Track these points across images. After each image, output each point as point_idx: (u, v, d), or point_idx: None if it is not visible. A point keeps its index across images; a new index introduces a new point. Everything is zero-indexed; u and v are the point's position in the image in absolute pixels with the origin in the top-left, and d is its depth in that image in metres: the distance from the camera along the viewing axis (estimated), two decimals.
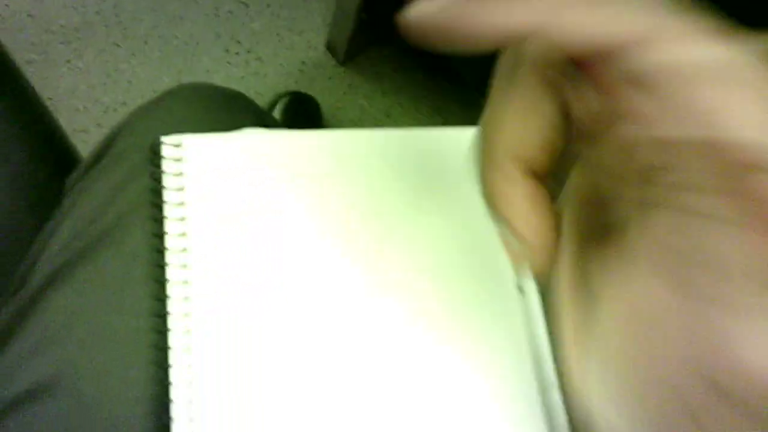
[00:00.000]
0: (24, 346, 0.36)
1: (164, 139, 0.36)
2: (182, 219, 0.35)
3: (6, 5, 1.06)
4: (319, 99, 1.09)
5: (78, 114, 1.03)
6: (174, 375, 0.34)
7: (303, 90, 1.08)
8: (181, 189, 0.35)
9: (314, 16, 1.15)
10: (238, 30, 1.12)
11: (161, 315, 0.35)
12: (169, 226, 0.35)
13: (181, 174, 0.35)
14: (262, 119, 0.42)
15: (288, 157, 0.37)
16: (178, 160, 0.36)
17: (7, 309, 0.38)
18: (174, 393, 0.34)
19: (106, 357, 0.35)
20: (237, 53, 1.11)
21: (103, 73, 1.07)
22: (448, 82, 1.12)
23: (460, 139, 0.38)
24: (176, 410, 0.33)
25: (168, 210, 0.35)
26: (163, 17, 1.11)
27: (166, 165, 0.35)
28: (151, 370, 0.35)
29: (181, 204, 0.35)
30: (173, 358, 0.34)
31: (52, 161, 0.58)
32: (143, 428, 0.35)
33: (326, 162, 0.37)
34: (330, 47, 1.13)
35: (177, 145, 0.36)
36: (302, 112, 1.04)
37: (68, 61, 1.07)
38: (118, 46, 1.09)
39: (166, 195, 0.35)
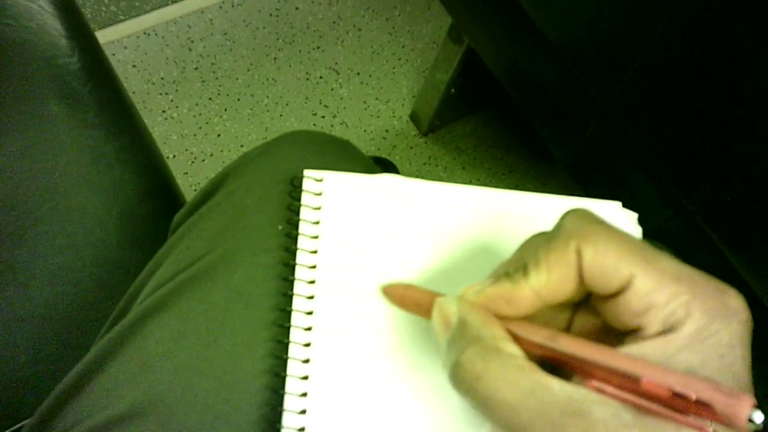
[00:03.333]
0: (122, 370, 0.36)
1: (307, 172, 0.36)
2: (314, 252, 0.35)
3: (113, 54, 1.12)
4: (399, 167, 1.10)
5: (167, 162, 1.06)
6: (286, 419, 0.33)
7: (388, 159, 1.10)
8: (316, 222, 0.36)
9: (401, 87, 1.19)
10: (326, 95, 1.16)
11: (276, 355, 0.35)
12: (300, 257, 0.35)
13: (319, 208, 0.36)
14: (370, 169, 0.43)
15: (423, 205, 0.37)
16: (317, 194, 0.36)
17: (108, 335, 0.38)
18: None
19: (202, 388, 0.35)
20: (323, 116, 1.15)
21: (195, 125, 1.11)
22: (536, 157, 1.13)
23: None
24: None
25: (301, 242, 0.35)
26: (256, 77, 1.16)
27: (305, 198, 0.36)
28: (253, 409, 0.35)
29: (315, 237, 0.35)
30: (286, 402, 0.33)
31: (160, 200, 0.60)
32: None
33: (461, 215, 0.37)
34: (414, 118, 1.16)
35: (318, 180, 0.36)
36: None
37: (164, 112, 1.11)
38: (211, 100, 1.13)
39: (302, 227, 0.36)
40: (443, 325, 0.27)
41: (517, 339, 0.25)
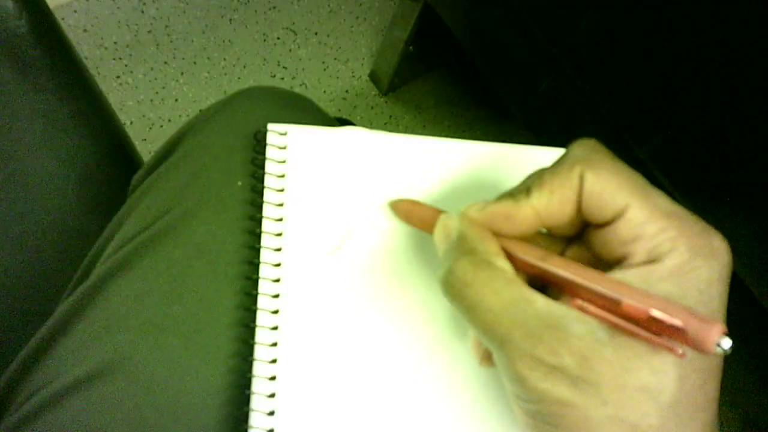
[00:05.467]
0: (87, 331, 0.36)
1: (271, 126, 0.36)
2: (280, 205, 0.36)
3: (62, 19, 1.08)
4: (360, 127, 1.10)
5: (124, 128, 1.05)
6: (257, 369, 0.34)
7: (346, 118, 1.10)
8: (281, 176, 0.36)
9: (359, 47, 1.18)
10: (284, 56, 1.15)
11: (245, 307, 0.35)
12: (266, 210, 0.35)
13: (284, 161, 0.36)
14: (330, 123, 0.43)
15: (389, 157, 0.37)
16: (282, 147, 0.36)
17: (71, 297, 0.38)
18: (255, 385, 0.34)
19: (168, 344, 0.35)
20: (282, 78, 1.13)
21: (151, 90, 1.09)
22: (495, 114, 1.14)
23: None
24: (256, 402, 0.33)
25: (267, 195, 0.36)
26: (212, 40, 1.13)
27: (270, 152, 0.36)
28: (222, 361, 0.35)
29: (281, 190, 0.36)
30: (257, 351, 0.34)
31: (118, 164, 0.59)
32: (214, 416, 0.35)
33: (427, 167, 0.37)
34: (374, 77, 1.15)
35: (282, 134, 0.36)
36: None
37: (118, 77, 1.09)
38: (167, 64, 1.11)
39: (267, 181, 0.36)
40: (443, 238, 0.29)
41: (511, 258, 0.26)
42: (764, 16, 0.49)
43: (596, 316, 0.23)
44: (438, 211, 0.31)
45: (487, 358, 0.29)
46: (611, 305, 0.23)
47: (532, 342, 0.23)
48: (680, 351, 0.22)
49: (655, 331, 0.22)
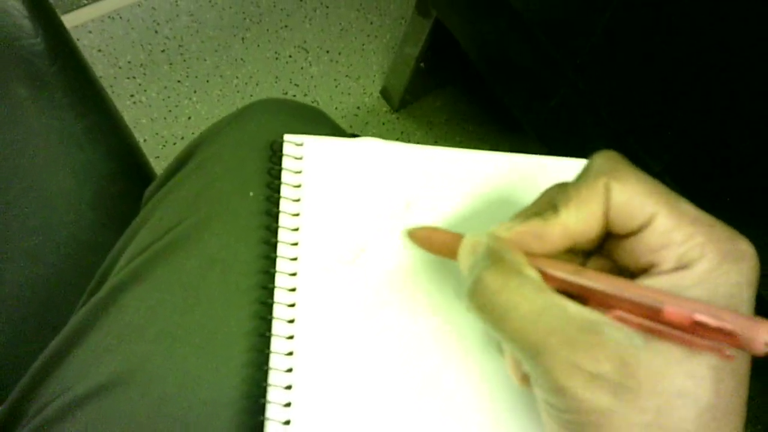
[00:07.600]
0: (99, 342, 0.36)
1: (287, 137, 0.37)
2: (296, 214, 0.36)
3: (78, 39, 1.10)
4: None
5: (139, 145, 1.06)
6: (272, 377, 0.34)
7: (356, 134, 1.11)
8: (298, 186, 0.36)
9: (371, 64, 1.18)
10: (296, 74, 1.16)
11: (261, 316, 0.35)
12: (283, 219, 0.35)
13: (299, 172, 0.36)
14: (341, 134, 0.43)
15: (405, 168, 0.37)
16: (298, 158, 0.36)
17: (84, 308, 0.38)
18: (271, 395, 0.33)
19: (181, 354, 0.35)
20: (294, 95, 1.14)
21: (165, 108, 1.10)
22: (507, 128, 1.14)
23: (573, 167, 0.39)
24: (272, 412, 0.33)
25: (283, 205, 0.36)
26: (225, 58, 1.15)
27: (286, 162, 0.36)
28: (236, 371, 0.35)
29: (297, 200, 0.36)
30: (273, 360, 0.34)
31: (132, 179, 0.60)
32: (227, 426, 0.34)
33: (445, 177, 0.37)
34: (385, 94, 1.16)
35: (299, 144, 0.36)
36: None
37: (132, 96, 1.10)
38: (180, 83, 1.12)
39: (283, 190, 0.36)
40: (470, 256, 0.28)
41: (541, 274, 0.26)
42: (764, 19, 0.49)
43: (637, 327, 0.23)
44: (459, 236, 0.31)
45: (526, 378, 0.28)
46: (651, 313, 0.23)
47: (570, 349, 0.22)
48: (728, 352, 0.22)
49: (699, 335, 0.22)
